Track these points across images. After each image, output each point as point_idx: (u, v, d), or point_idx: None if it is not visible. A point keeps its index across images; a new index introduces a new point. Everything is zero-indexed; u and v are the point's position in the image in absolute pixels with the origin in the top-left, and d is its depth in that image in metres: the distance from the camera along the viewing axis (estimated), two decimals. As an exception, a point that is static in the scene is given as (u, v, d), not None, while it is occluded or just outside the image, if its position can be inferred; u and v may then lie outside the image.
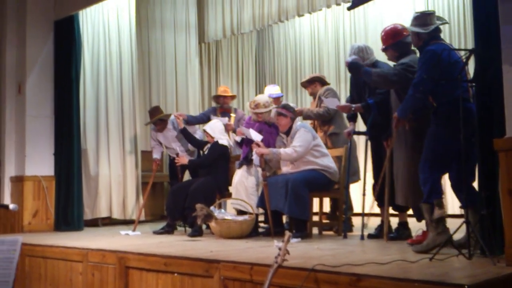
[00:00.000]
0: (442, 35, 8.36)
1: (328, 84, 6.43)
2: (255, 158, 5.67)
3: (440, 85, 4.05)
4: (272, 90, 6.95)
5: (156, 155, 7.22)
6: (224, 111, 7.23)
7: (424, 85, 4.09)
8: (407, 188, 4.58)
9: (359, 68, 4.85)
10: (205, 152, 6.39)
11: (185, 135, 6.68)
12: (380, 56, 5.23)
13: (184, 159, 6.45)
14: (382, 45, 4.88)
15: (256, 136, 5.64)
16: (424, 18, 4.35)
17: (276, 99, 6.75)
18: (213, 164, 6.20)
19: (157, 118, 6.96)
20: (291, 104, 5.81)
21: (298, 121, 5.63)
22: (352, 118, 5.49)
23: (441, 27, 4.44)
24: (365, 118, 5.39)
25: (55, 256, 5.16)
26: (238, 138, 6.12)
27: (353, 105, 5.34)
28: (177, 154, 6.76)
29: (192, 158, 6.69)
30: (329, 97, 5.99)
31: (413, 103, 4.29)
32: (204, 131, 6.44)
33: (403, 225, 5.03)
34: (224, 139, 6.31)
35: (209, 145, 6.36)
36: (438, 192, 4.11)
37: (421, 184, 4.16)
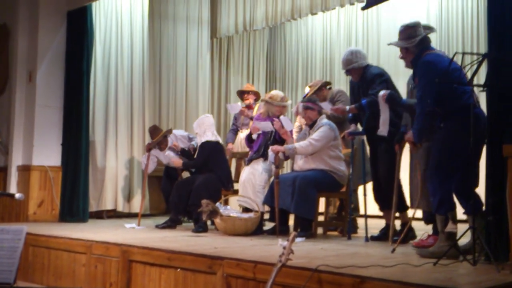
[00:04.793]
0: (455, 40, 8.35)
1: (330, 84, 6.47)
2: (270, 155, 5.66)
3: (445, 93, 3.97)
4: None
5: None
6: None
7: (430, 96, 3.99)
8: (422, 193, 4.52)
9: (397, 100, 4.79)
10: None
11: (187, 155, 6.63)
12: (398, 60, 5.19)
13: (179, 161, 6.44)
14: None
15: (288, 125, 5.69)
16: (408, 32, 4.28)
17: None
18: (210, 161, 6.19)
19: (162, 135, 6.73)
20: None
21: (324, 118, 5.63)
22: (353, 120, 5.49)
23: (439, 33, 4.35)
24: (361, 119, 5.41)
25: (59, 247, 5.18)
26: (255, 136, 6.09)
27: (347, 107, 5.39)
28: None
29: (185, 161, 6.58)
30: (342, 98, 6.06)
31: (425, 121, 4.14)
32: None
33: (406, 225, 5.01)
34: (209, 134, 6.29)
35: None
36: (450, 205, 4.02)
37: (430, 195, 4.07)
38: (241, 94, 7.63)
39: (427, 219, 4.66)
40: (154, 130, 6.91)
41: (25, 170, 6.98)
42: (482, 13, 7.79)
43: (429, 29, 4.44)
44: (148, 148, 6.81)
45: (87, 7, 7.17)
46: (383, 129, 4.86)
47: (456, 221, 4.04)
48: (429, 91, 4.01)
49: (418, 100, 4.14)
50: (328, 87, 6.40)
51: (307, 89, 6.91)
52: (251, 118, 6.82)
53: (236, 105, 7.19)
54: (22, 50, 7.20)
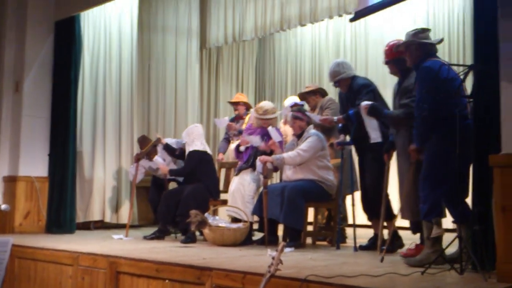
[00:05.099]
0: (441, 50, 8.43)
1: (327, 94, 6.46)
2: (258, 165, 5.66)
3: (438, 102, 4.00)
4: (291, 100, 6.93)
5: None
6: None
7: (427, 102, 4.04)
8: (413, 203, 4.52)
9: (380, 111, 4.82)
10: None
11: (170, 151, 6.65)
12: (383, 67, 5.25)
13: (165, 168, 6.42)
14: (384, 58, 4.89)
15: (276, 136, 5.71)
16: (425, 34, 4.37)
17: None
18: (198, 171, 6.17)
19: (151, 145, 6.71)
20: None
21: (312, 128, 5.65)
22: (343, 130, 5.52)
23: (440, 44, 4.44)
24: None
25: (45, 259, 5.12)
26: (243, 148, 6.08)
27: (335, 118, 5.45)
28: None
29: (172, 168, 6.59)
30: (332, 106, 6.07)
31: (424, 126, 4.13)
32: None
33: (394, 234, 5.02)
34: (198, 144, 6.27)
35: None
36: (439, 211, 4.07)
37: (421, 202, 4.11)
38: (232, 104, 7.63)
39: (414, 228, 4.68)
40: (143, 140, 6.89)
41: (11, 181, 6.91)
42: (468, 24, 7.87)
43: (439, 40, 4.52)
44: (137, 159, 6.78)
45: (75, 17, 7.16)
46: (375, 137, 4.87)
47: (441, 225, 4.07)
48: (426, 96, 4.05)
49: (416, 104, 4.18)
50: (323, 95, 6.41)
51: (286, 102, 6.94)
52: (240, 132, 6.81)
53: (224, 120, 7.18)
54: (9, 60, 7.14)
